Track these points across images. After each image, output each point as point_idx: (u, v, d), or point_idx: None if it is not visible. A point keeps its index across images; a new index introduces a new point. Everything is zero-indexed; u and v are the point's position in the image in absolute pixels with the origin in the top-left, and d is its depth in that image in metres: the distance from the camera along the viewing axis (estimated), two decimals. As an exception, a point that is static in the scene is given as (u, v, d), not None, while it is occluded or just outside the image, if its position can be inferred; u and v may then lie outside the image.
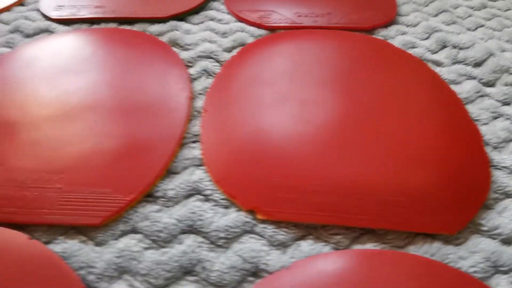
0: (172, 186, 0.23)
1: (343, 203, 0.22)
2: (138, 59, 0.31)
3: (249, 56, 0.31)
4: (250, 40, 0.34)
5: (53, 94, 0.27)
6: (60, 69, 0.30)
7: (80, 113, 0.26)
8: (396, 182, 0.22)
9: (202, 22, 0.36)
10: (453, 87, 0.29)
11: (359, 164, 0.23)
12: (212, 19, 0.36)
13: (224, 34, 0.34)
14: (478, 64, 0.31)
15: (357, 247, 0.21)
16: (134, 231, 0.21)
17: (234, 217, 0.21)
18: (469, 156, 0.24)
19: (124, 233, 0.21)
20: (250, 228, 0.21)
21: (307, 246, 0.21)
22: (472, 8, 0.39)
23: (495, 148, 0.26)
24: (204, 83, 0.30)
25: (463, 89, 0.29)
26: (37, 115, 0.26)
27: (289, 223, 0.21)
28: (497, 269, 0.20)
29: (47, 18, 0.36)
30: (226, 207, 0.22)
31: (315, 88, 0.28)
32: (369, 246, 0.21)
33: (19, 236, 0.20)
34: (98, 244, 0.21)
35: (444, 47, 0.34)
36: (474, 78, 0.30)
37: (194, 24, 0.36)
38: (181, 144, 0.25)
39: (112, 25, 0.36)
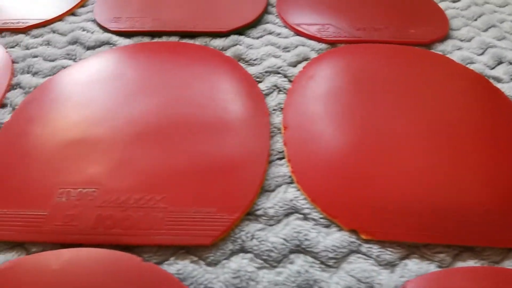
0: (271, 204, 0.23)
1: (443, 222, 0.22)
2: (209, 74, 0.31)
3: (317, 71, 0.31)
4: (313, 54, 0.34)
5: (134, 111, 0.27)
6: (136, 84, 0.30)
7: (167, 131, 0.26)
8: (486, 201, 0.23)
9: (261, 36, 0.36)
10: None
11: (450, 183, 0.24)
12: (270, 33, 0.37)
13: (286, 49, 0.35)
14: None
15: (460, 264, 0.21)
16: (243, 250, 0.21)
17: (339, 237, 0.22)
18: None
19: (233, 253, 0.21)
20: (356, 248, 0.22)
21: (413, 265, 0.21)
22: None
23: None
24: (277, 99, 0.30)
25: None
26: (123, 133, 0.26)
27: (393, 243, 0.22)
28: None
29: (106, 30, 0.36)
30: (326, 226, 0.23)
31: (388, 104, 0.29)
32: (470, 263, 0.21)
33: (132, 259, 0.20)
34: (210, 264, 0.21)
35: (500, 63, 0.35)
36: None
37: (254, 38, 0.36)
38: (269, 161, 0.26)
39: (174, 39, 0.36)
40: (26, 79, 0.32)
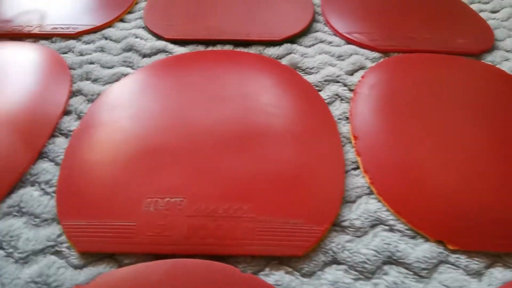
0: (355, 216, 0.23)
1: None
2: (272, 83, 0.31)
3: (378, 80, 0.32)
4: (368, 63, 0.35)
5: (207, 120, 0.28)
6: (203, 93, 0.30)
7: (243, 140, 0.26)
8: None
9: (313, 45, 0.37)
10: None
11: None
12: (322, 41, 0.37)
13: (340, 57, 0.35)
14: None
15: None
16: (335, 261, 0.22)
17: (428, 247, 0.22)
18: None
19: (326, 264, 0.22)
20: (444, 258, 0.22)
21: (498, 273, 0.21)
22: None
23: None
24: (340, 107, 0.30)
25: None
26: (201, 142, 0.26)
27: (477, 252, 0.22)
28: None
29: (160, 37, 0.36)
30: (413, 237, 0.23)
31: (452, 114, 0.29)
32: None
33: (231, 270, 0.20)
34: (305, 275, 0.21)
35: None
36: None
37: (306, 46, 0.36)
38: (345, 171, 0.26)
39: (228, 47, 0.36)
40: (87, 86, 0.31)
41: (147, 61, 0.34)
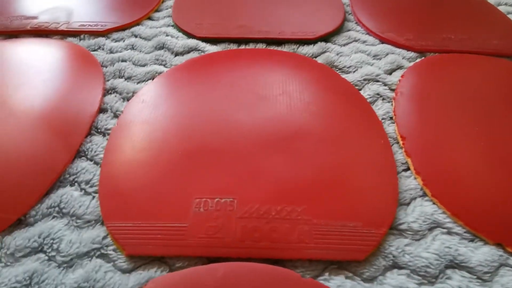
0: (413, 218, 0.22)
1: None
2: (311, 82, 0.30)
3: (419, 81, 0.31)
4: (405, 62, 0.34)
5: (252, 120, 0.27)
6: (243, 93, 0.29)
7: (290, 141, 0.25)
8: None
9: (347, 44, 0.36)
10: None
11: None
12: (356, 40, 0.36)
13: (376, 56, 0.34)
14: None
15: None
16: (396, 266, 0.21)
17: (487, 251, 0.21)
18: None
19: (386, 268, 0.21)
20: (504, 261, 0.21)
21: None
22: None
23: None
24: (383, 107, 0.29)
25: None
26: (247, 143, 0.25)
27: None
28: None
29: (191, 36, 0.35)
30: (471, 240, 0.22)
31: (499, 114, 0.28)
32: None
33: (291, 274, 0.19)
34: (366, 280, 0.20)
35: None
36: None
37: (341, 45, 0.36)
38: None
39: (261, 46, 0.35)
40: (121, 84, 0.31)
41: (179, 59, 0.33)
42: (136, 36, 0.36)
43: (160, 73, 0.32)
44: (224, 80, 0.30)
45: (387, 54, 0.34)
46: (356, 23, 0.39)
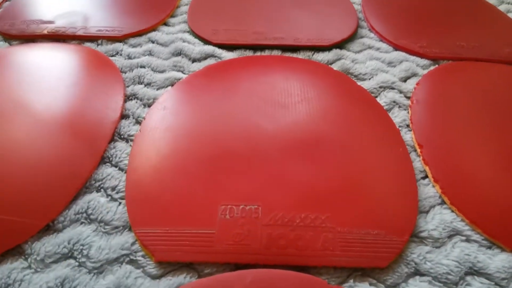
0: (433, 226, 0.23)
1: None
2: (328, 89, 0.31)
3: (434, 88, 0.31)
4: (419, 70, 0.34)
5: (272, 126, 0.27)
6: (262, 99, 0.29)
7: (311, 148, 0.26)
8: None
9: (361, 51, 0.36)
10: None
11: None
12: (370, 47, 0.37)
13: (391, 64, 0.35)
14: None
15: None
16: (418, 273, 0.21)
17: (505, 257, 0.22)
18: None
19: (409, 275, 0.21)
20: (522, 268, 0.22)
21: None
22: None
23: None
24: (400, 115, 0.30)
25: None
26: (269, 149, 0.26)
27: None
28: None
29: (208, 42, 0.36)
30: (489, 247, 0.23)
31: (511, 121, 0.29)
32: None
33: (318, 282, 0.20)
34: (389, 287, 0.21)
35: None
36: None
37: (355, 52, 0.36)
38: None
39: (276, 52, 0.35)
40: (141, 90, 0.31)
41: (197, 65, 0.34)
42: (153, 42, 0.36)
43: (179, 79, 0.32)
44: (243, 87, 0.30)
45: (401, 62, 0.35)
46: (369, 30, 0.39)
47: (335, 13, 0.40)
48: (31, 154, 0.25)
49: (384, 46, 0.37)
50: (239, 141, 0.26)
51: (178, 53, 0.35)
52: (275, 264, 0.21)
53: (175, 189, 0.23)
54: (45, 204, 0.23)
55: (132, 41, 0.36)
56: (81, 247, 0.22)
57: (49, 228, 0.23)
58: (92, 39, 0.36)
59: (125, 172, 0.25)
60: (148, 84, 0.32)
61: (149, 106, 0.30)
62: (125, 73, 0.33)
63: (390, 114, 0.30)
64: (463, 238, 0.23)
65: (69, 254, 0.22)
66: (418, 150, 0.27)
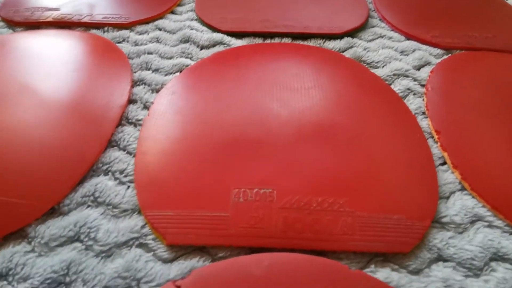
0: (454, 212, 0.22)
1: None
2: (343, 76, 0.30)
3: (448, 76, 0.31)
4: (432, 59, 0.34)
5: (284, 111, 0.26)
6: (274, 85, 0.29)
7: (327, 133, 0.25)
8: None
9: (373, 39, 0.36)
10: None
11: None
12: (381, 36, 0.36)
13: (403, 52, 0.34)
14: None
15: None
16: (441, 258, 0.20)
17: (529, 244, 0.21)
18: None
19: (432, 261, 0.20)
20: (546, 253, 0.21)
21: None
22: None
23: None
24: (415, 102, 0.29)
25: None
26: (284, 133, 0.25)
27: None
28: None
29: (216, 30, 0.35)
30: (511, 233, 0.22)
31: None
32: None
33: (338, 266, 0.19)
34: (412, 272, 0.20)
35: None
36: None
37: (367, 41, 0.35)
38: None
39: (286, 40, 0.35)
40: (149, 75, 0.30)
41: (205, 52, 0.33)
42: (160, 30, 0.36)
43: (187, 65, 0.31)
44: (253, 72, 0.30)
45: (414, 50, 0.34)
46: (380, 19, 0.38)
47: (344, 2, 0.39)
48: (36, 136, 0.24)
49: (396, 35, 0.36)
50: (251, 125, 0.25)
51: (186, 40, 0.34)
52: (292, 248, 0.20)
53: (186, 172, 0.23)
54: (50, 187, 0.22)
55: (139, 28, 0.36)
56: (88, 230, 0.21)
57: (54, 212, 0.22)
58: (98, 26, 0.35)
59: (134, 156, 0.24)
60: (156, 70, 0.31)
61: (157, 91, 0.29)
62: (132, 59, 0.32)
63: (405, 101, 0.29)
64: (486, 224, 0.22)
65: (75, 237, 0.21)
66: (436, 137, 0.26)
